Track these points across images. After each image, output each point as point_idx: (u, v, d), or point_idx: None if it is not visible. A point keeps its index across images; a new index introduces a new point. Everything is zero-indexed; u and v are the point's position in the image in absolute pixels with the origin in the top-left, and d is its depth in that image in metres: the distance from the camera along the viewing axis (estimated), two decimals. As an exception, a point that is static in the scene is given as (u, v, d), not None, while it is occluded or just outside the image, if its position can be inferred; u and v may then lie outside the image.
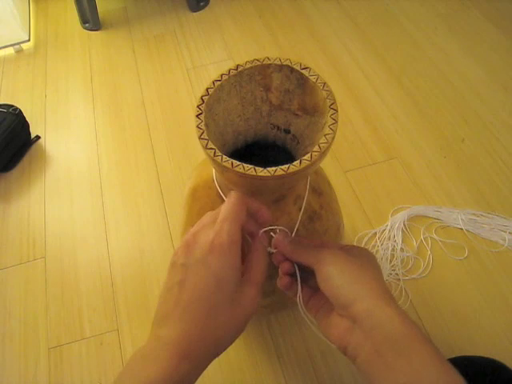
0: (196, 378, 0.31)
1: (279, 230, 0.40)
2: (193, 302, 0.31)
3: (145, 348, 0.31)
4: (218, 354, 0.32)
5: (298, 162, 0.32)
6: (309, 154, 0.32)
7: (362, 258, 0.36)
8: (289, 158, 0.43)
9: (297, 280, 0.38)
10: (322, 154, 0.32)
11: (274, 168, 0.32)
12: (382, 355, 0.29)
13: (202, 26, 1.16)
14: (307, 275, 0.38)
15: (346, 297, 0.32)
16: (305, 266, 0.37)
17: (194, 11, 1.20)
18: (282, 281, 0.38)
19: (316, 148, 0.32)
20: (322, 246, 0.39)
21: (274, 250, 0.39)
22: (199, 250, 0.32)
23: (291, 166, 0.32)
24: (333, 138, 0.33)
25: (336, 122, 0.34)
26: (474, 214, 0.73)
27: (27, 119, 0.92)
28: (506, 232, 0.71)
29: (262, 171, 0.32)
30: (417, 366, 0.28)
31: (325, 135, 0.33)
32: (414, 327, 0.30)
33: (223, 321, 0.31)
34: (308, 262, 0.36)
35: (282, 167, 0.32)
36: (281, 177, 0.32)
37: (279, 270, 0.39)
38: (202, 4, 1.21)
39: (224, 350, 0.32)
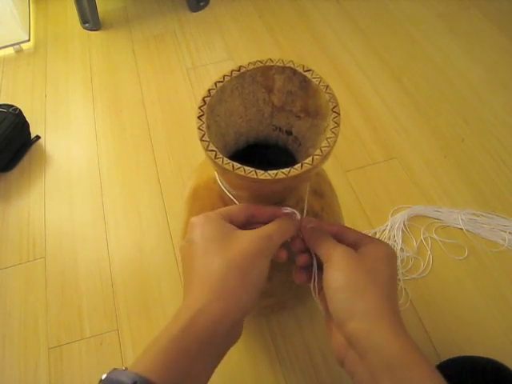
0: (218, 335, 0.30)
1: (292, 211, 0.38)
2: (195, 269, 0.32)
3: None
4: (232, 305, 0.31)
5: (299, 165, 0.32)
6: (310, 158, 0.32)
7: (376, 259, 0.34)
8: (290, 158, 0.43)
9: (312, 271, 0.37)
10: (324, 157, 0.32)
11: (275, 171, 0.31)
12: (376, 380, 0.28)
13: (202, 26, 1.16)
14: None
15: (343, 313, 0.31)
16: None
17: (194, 11, 1.20)
18: (298, 276, 0.38)
19: (318, 151, 0.32)
20: (340, 232, 0.37)
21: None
22: (193, 229, 0.34)
23: (292, 170, 0.31)
24: (335, 142, 0.32)
25: (338, 125, 0.33)
26: (474, 214, 0.74)
27: (27, 119, 0.92)
28: (506, 232, 0.71)
29: (262, 174, 0.31)
30: None
31: (327, 139, 0.33)
32: (413, 350, 0.29)
33: (220, 257, 0.32)
34: (320, 255, 0.35)
35: (283, 171, 0.31)
36: (282, 180, 0.31)
37: (296, 261, 0.38)
38: (201, 4, 1.21)
39: (238, 302, 0.31)
